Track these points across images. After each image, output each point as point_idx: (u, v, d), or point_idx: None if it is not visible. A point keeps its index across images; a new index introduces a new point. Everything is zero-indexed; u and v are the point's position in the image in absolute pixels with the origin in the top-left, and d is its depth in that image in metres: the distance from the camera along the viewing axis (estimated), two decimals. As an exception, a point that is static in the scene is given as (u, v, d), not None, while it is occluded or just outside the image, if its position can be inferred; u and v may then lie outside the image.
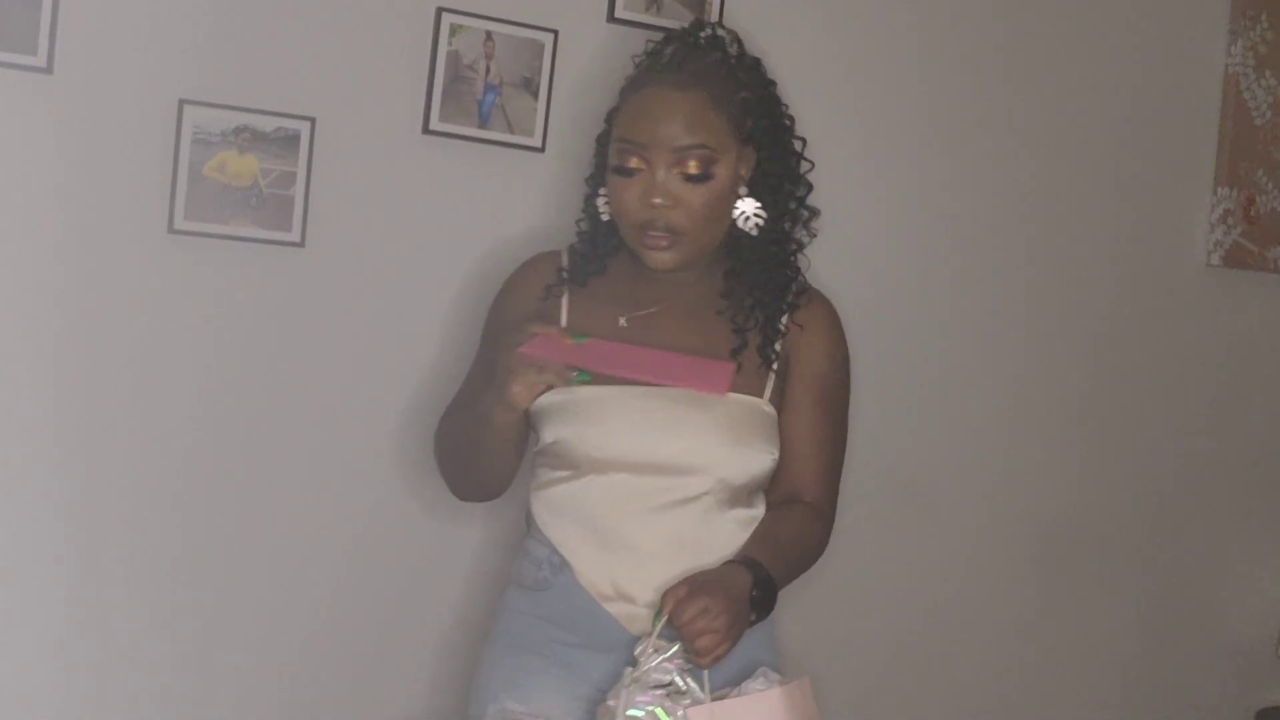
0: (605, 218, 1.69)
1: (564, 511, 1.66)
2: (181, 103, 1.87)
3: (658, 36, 1.71)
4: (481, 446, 1.64)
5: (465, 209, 2.07)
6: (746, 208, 1.66)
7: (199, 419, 1.95)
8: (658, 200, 1.60)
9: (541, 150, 2.07)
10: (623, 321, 1.68)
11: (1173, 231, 2.61)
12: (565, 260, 1.74)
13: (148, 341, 1.91)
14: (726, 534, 1.64)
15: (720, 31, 1.71)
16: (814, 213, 1.73)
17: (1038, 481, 2.53)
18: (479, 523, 2.09)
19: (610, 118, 1.70)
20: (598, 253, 1.72)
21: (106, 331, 1.89)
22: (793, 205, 1.71)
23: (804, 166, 1.72)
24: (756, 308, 1.69)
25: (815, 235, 1.74)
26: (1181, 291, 2.62)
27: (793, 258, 1.72)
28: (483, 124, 2.03)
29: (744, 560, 1.57)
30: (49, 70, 1.81)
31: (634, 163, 1.61)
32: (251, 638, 2.01)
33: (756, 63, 1.71)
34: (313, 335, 2.00)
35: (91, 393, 1.89)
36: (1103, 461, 2.58)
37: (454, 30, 2.00)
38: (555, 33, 2.06)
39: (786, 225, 1.71)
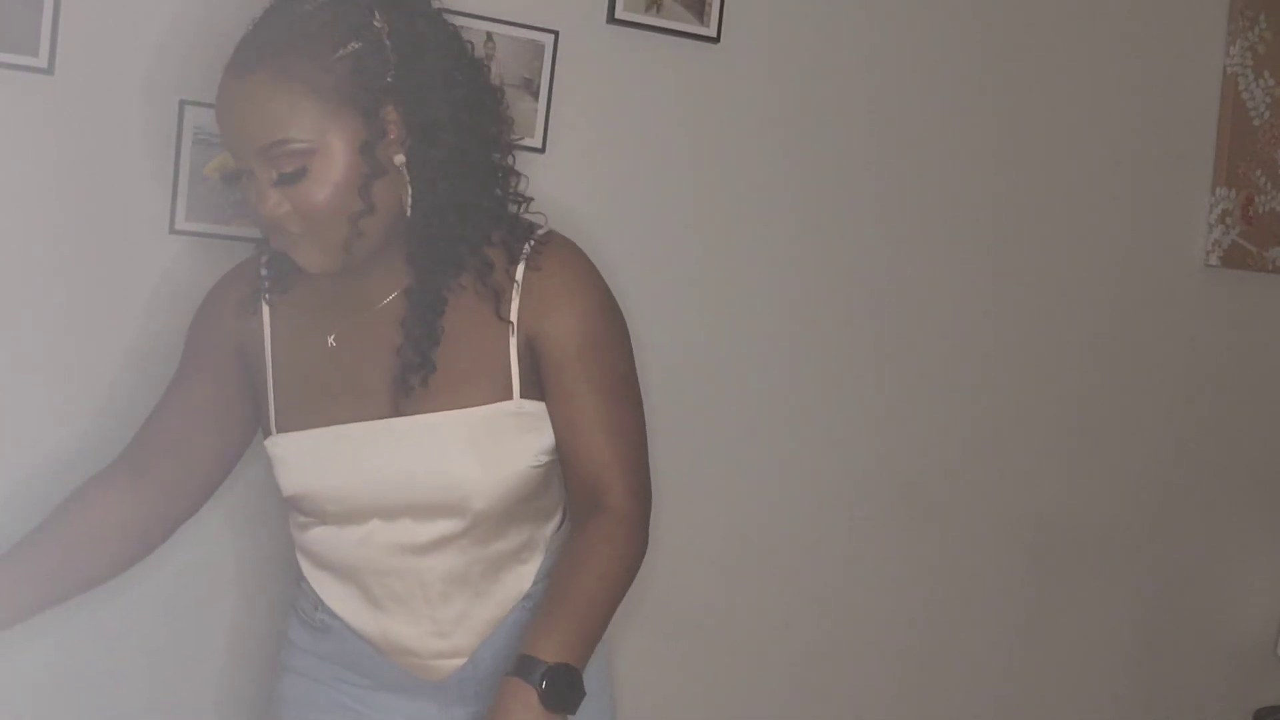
0: None
1: (323, 563, 1.50)
2: (183, 103, 1.87)
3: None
4: None
5: (466, 209, 2.06)
6: (400, 192, 1.38)
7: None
8: (264, 211, 1.35)
9: (542, 151, 2.07)
10: (331, 341, 1.45)
11: (1172, 231, 2.61)
12: (264, 266, 1.50)
13: (149, 342, 1.91)
14: (511, 554, 1.49)
15: None
16: (505, 150, 1.45)
17: (1036, 481, 2.53)
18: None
19: None
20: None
21: (107, 332, 1.89)
22: (449, 155, 1.38)
23: (480, 98, 1.42)
24: (417, 302, 1.42)
25: (522, 185, 1.47)
26: (1181, 291, 2.62)
27: (473, 222, 1.42)
28: (483, 124, 2.03)
29: (519, 668, 1.35)
30: (50, 71, 1.81)
31: (237, 165, 1.37)
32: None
33: (337, 17, 1.35)
34: (313, 336, 2.00)
35: (92, 393, 1.89)
36: (1102, 461, 2.59)
37: (454, 31, 2.00)
38: (556, 34, 2.06)
39: (446, 186, 1.39)
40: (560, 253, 1.47)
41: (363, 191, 1.34)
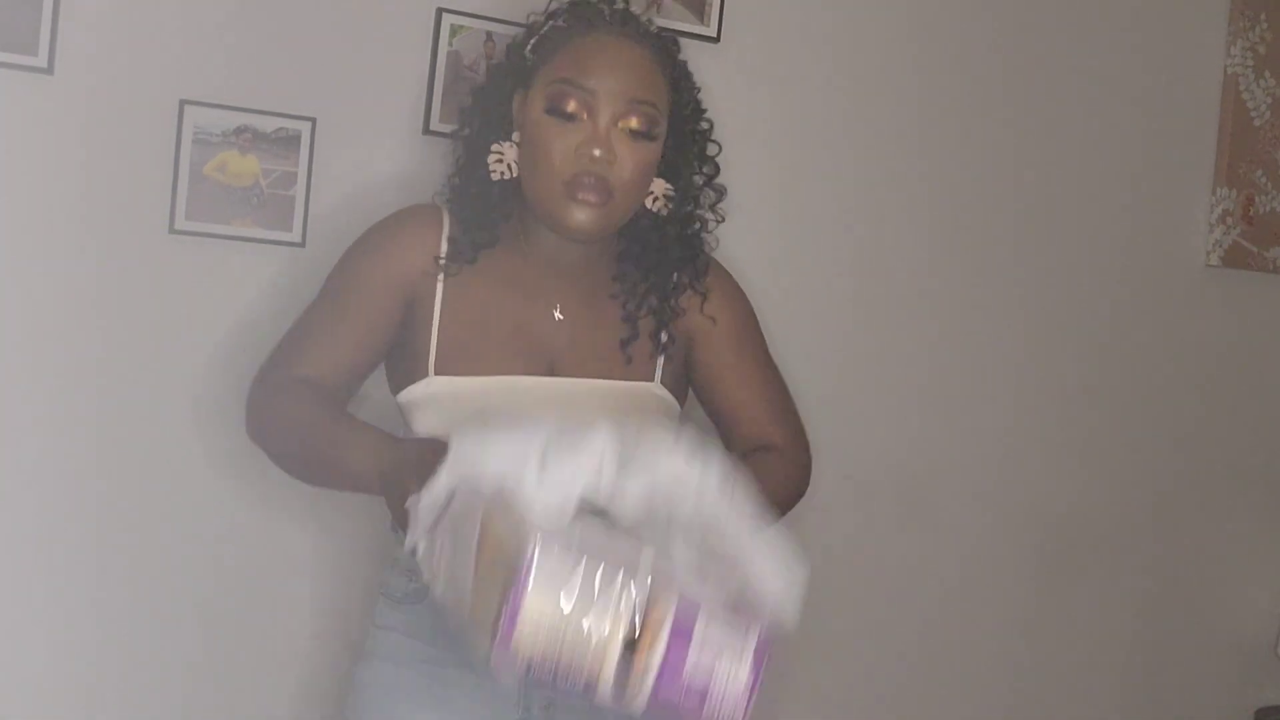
0: (498, 177, 1.56)
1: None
2: (182, 103, 1.87)
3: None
4: (325, 480, 1.50)
5: (465, 209, 2.07)
6: (656, 188, 1.59)
7: (199, 419, 1.95)
8: (597, 152, 1.49)
9: (542, 150, 2.07)
10: (559, 314, 1.57)
11: (1172, 232, 2.61)
12: (447, 224, 1.58)
13: (149, 341, 1.91)
14: None
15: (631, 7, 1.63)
16: (720, 192, 1.66)
17: (1037, 481, 2.53)
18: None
19: (509, 66, 1.58)
20: (490, 220, 1.57)
21: (107, 332, 1.89)
22: (700, 183, 1.64)
23: (711, 149, 1.65)
24: (651, 291, 1.61)
25: (723, 219, 1.68)
26: (1181, 292, 2.62)
27: (695, 238, 1.65)
28: (483, 124, 2.04)
29: None
30: (49, 71, 1.81)
31: (573, 107, 1.50)
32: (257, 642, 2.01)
33: (675, 39, 1.64)
34: (313, 335, 2.00)
35: (91, 393, 1.89)
36: (1102, 461, 2.59)
37: (454, 30, 2.01)
38: (555, 33, 2.06)
39: (690, 207, 1.63)
40: (717, 266, 1.70)
41: (651, 179, 1.56)
